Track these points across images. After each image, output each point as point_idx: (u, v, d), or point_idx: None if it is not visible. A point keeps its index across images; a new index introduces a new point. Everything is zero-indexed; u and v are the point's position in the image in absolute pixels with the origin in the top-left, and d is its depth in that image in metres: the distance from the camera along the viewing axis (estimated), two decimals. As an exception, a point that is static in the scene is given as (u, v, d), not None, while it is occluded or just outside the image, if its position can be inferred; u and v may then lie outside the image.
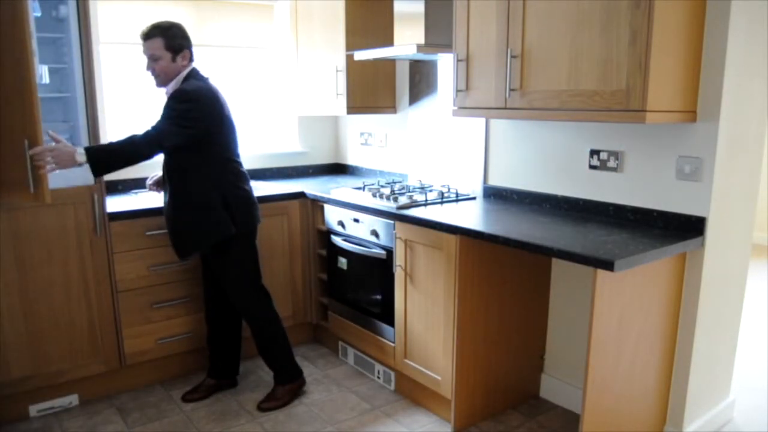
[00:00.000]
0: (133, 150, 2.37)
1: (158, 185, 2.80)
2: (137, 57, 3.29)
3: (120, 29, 3.25)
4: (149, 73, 2.54)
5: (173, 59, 2.50)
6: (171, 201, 2.57)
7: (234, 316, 2.88)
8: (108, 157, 2.34)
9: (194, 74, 2.57)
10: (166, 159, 2.57)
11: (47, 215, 2.54)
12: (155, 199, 2.86)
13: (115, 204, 2.85)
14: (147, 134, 2.39)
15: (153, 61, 2.49)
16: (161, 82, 2.55)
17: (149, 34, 2.48)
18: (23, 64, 2.15)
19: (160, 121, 2.44)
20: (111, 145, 2.37)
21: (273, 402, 2.79)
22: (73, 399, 2.79)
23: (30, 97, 2.16)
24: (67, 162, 2.26)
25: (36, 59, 2.25)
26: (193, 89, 2.47)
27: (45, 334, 2.62)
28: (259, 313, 2.77)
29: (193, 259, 2.86)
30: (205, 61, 3.50)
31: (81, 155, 2.27)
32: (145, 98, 3.38)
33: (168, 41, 2.48)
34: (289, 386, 2.84)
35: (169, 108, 2.45)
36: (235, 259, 2.67)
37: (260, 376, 3.08)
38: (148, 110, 3.40)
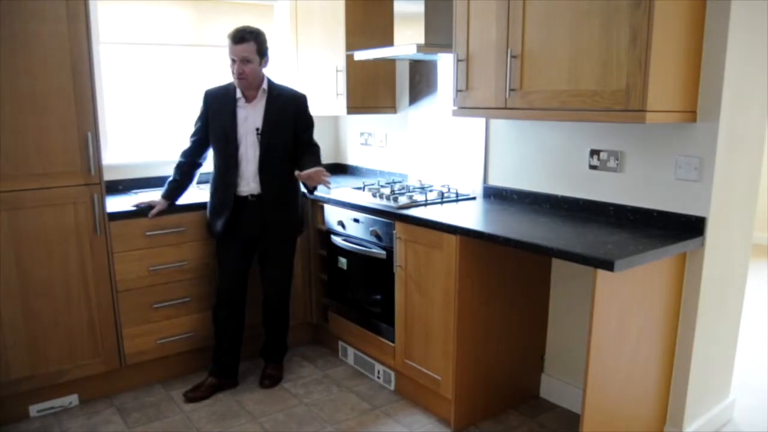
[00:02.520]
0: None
1: (160, 206, 2.82)
2: (136, 57, 3.32)
3: (120, 29, 3.25)
4: (235, 74, 2.63)
5: (260, 63, 2.65)
6: (281, 191, 2.81)
7: (242, 313, 2.94)
8: None
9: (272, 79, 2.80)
10: (281, 155, 2.76)
11: (47, 215, 2.54)
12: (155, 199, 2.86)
13: (115, 204, 2.85)
14: (316, 146, 2.87)
15: (244, 63, 2.59)
16: (247, 84, 2.66)
17: (244, 38, 2.58)
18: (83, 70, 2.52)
19: (312, 129, 2.86)
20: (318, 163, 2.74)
21: (272, 378, 3.00)
22: (73, 399, 2.79)
23: (93, 98, 2.58)
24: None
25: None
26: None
27: (45, 334, 2.62)
28: (290, 296, 3.04)
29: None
30: (205, 61, 3.50)
31: None
32: (145, 98, 3.38)
33: (259, 46, 2.62)
34: (281, 363, 3.11)
35: (309, 115, 2.86)
36: (295, 248, 3.01)
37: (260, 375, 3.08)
38: (147, 109, 3.41)
